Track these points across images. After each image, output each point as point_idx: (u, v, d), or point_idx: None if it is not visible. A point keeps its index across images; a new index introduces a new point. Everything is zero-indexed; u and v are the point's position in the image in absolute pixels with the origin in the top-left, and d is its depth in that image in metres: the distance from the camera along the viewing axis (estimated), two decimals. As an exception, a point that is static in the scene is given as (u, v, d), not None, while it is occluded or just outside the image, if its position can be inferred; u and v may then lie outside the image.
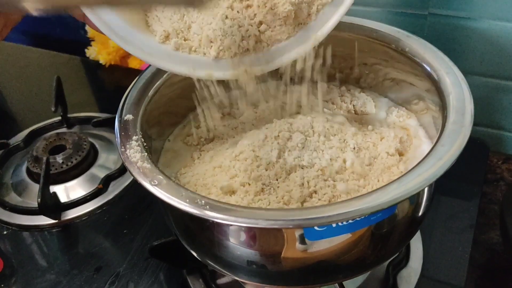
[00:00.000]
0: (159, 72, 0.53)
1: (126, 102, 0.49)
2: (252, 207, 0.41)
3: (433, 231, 0.59)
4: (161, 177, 0.40)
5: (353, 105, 0.58)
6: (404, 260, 0.55)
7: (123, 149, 0.43)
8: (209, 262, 0.46)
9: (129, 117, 0.47)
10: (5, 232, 0.65)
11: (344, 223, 0.38)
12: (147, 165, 0.41)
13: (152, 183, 0.39)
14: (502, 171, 0.70)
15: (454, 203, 0.62)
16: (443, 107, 0.44)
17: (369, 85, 0.59)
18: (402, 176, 0.38)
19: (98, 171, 0.71)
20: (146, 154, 0.42)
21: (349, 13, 0.69)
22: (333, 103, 0.58)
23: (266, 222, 0.35)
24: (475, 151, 0.68)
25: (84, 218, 0.65)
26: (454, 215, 0.61)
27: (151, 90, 0.51)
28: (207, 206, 0.37)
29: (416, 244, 0.57)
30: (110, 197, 0.67)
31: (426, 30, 0.67)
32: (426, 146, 0.51)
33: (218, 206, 0.37)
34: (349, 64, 0.59)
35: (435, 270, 0.55)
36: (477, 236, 0.60)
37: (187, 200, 0.37)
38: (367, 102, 0.58)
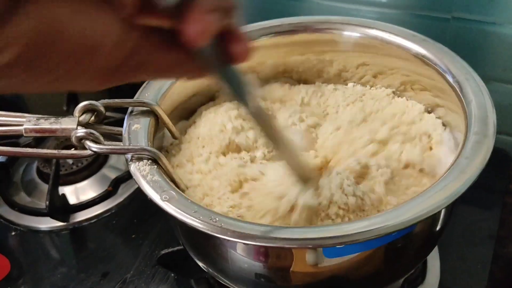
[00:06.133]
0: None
1: (133, 111, 0.47)
2: (267, 224, 0.40)
3: (451, 242, 0.57)
4: (172, 192, 0.38)
5: (363, 105, 0.54)
6: (420, 276, 0.52)
7: (131, 162, 0.41)
8: (216, 273, 0.45)
9: (137, 127, 0.45)
10: (13, 233, 0.64)
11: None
12: (158, 178, 0.40)
13: (163, 198, 0.38)
14: (523, 182, 0.68)
15: (473, 212, 0.60)
16: (465, 116, 0.42)
17: (381, 84, 0.56)
18: (424, 192, 0.37)
19: (109, 172, 0.69)
20: (155, 166, 0.41)
21: (368, 14, 0.67)
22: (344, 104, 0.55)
23: (283, 241, 0.34)
24: (496, 160, 0.65)
25: (92, 221, 0.64)
26: (473, 224, 0.59)
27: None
28: (221, 224, 0.35)
29: (433, 258, 0.55)
30: (120, 200, 0.66)
31: (449, 34, 0.64)
32: (446, 146, 0.48)
33: (232, 224, 0.35)
34: (360, 64, 0.56)
35: (453, 286, 0.53)
36: (497, 250, 0.58)
37: (200, 217, 0.36)
38: (379, 100, 0.54)
